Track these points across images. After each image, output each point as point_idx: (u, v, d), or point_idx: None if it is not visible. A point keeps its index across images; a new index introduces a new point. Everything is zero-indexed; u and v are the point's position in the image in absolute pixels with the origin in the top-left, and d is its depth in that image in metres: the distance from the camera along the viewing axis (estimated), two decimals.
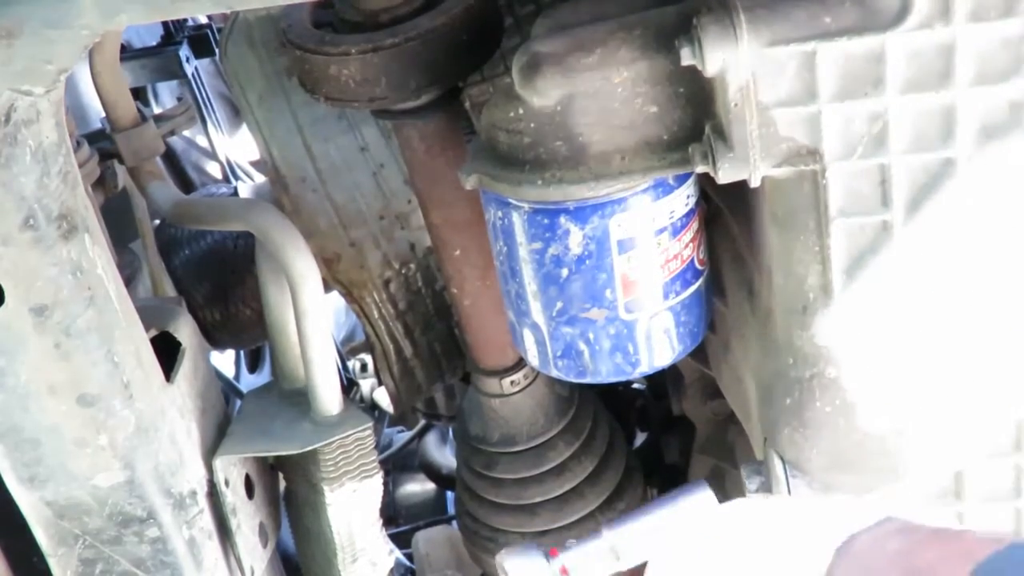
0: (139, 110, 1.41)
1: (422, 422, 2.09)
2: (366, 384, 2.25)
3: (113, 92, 1.37)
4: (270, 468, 1.32)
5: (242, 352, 2.11)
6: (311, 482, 1.23)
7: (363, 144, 1.31)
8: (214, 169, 2.14)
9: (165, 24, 2.01)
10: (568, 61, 0.88)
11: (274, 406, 1.26)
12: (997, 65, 0.81)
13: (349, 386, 2.19)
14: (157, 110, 1.79)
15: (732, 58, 0.82)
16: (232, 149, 2.18)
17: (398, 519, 2.20)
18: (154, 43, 2.04)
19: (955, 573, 0.68)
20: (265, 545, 1.26)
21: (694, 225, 0.98)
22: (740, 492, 1.04)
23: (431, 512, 2.23)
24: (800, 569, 0.79)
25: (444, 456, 2.09)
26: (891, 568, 0.74)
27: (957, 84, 0.82)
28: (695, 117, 0.89)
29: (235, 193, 1.62)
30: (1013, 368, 0.95)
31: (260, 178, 1.98)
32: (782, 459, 0.99)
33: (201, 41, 2.01)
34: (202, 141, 2.15)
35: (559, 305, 0.98)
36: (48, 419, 0.98)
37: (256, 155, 1.42)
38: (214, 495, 1.14)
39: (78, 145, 1.26)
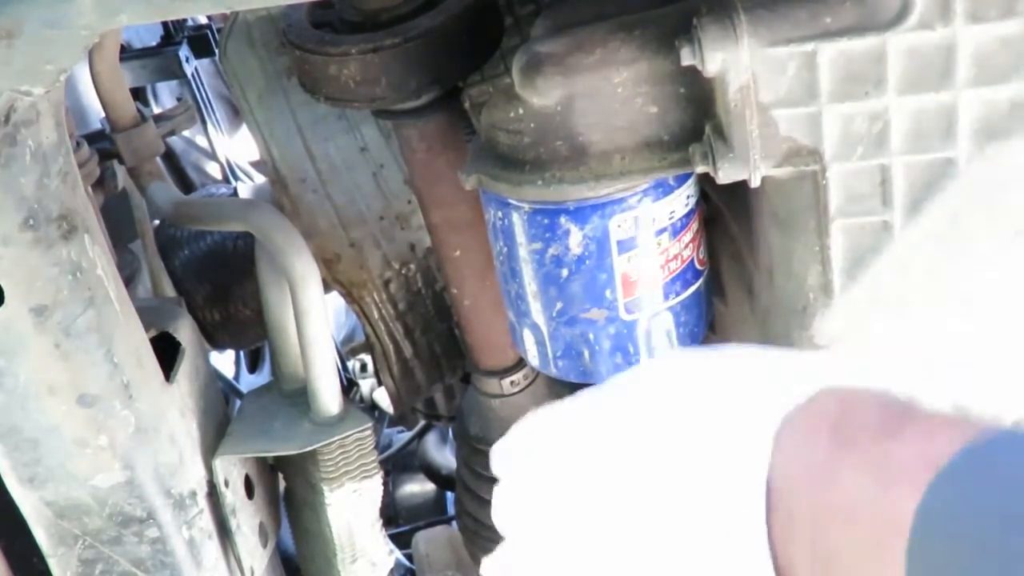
0: (139, 110, 1.41)
1: (422, 422, 2.08)
2: (366, 384, 2.24)
3: (113, 92, 1.37)
4: (270, 468, 1.32)
5: (242, 352, 2.11)
6: (311, 482, 1.23)
7: (363, 144, 1.31)
8: (214, 169, 2.14)
9: (165, 24, 2.01)
10: (568, 61, 0.88)
11: (274, 406, 1.26)
12: (997, 65, 0.81)
13: (349, 386, 2.19)
14: (157, 110, 1.79)
15: (732, 58, 0.82)
16: (232, 149, 2.18)
17: (398, 519, 2.20)
18: (154, 43, 2.04)
19: (915, 479, 0.57)
20: (265, 545, 1.26)
21: (694, 225, 0.98)
22: None
23: (431, 512, 2.23)
24: (731, 447, 0.66)
25: (444, 456, 2.08)
26: (838, 468, 0.62)
27: (957, 84, 0.82)
28: (695, 117, 0.89)
29: (235, 193, 1.61)
30: (1013, 368, 0.95)
31: (260, 178, 1.97)
32: None
33: (201, 41, 2.01)
34: (202, 141, 2.15)
35: (559, 305, 0.98)
36: (48, 419, 0.98)
37: (256, 155, 1.42)
38: (214, 495, 1.14)
39: (78, 145, 1.26)
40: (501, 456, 0.79)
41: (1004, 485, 0.54)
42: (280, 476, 1.34)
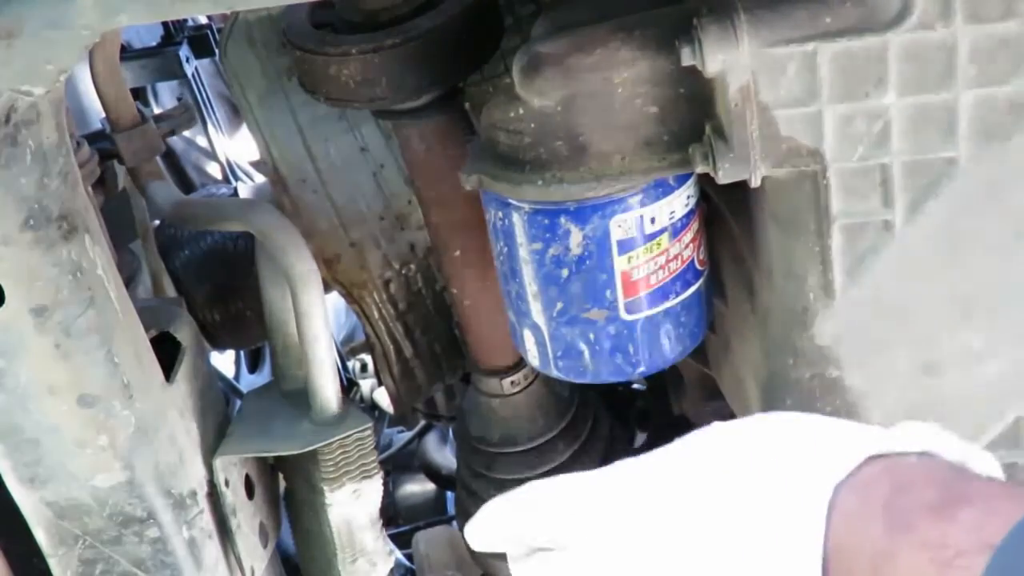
0: (139, 110, 1.41)
1: (422, 422, 2.08)
2: (366, 384, 2.24)
3: (113, 92, 1.37)
4: (270, 468, 1.32)
5: (242, 352, 2.11)
6: (311, 482, 1.23)
7: (363, 144, 1.31)
8: (214, 169, 2.14)
9: (165, 24, 2.01)
10: (568, 61, 0.88)
11: (274, 406, 1.26)
12: (997, 65, 0.81)
13: (349, 386, 2.19)
14: (157, 110, 1.79)
15: (732, 58, 0.82)
16: (232, 149, 2.18)
17: (398, 519, 2.20)
18: (154, 43, 2.04)
19: (971, 563, 0.58)
20: (265, 545, 1.26)
21: (694, 225, 0.98)
22: None
23: (431, 512, 2.23)
24: (782, 519, 0.66)
25: (444, 456, 2.08)
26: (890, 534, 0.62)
27: (957, 84, 0.82)
28: (695, 117, 0.89)
29: (235, 193, 1.61)
30: (1014, 367, 0.95)
31: (260, 178, 1.97)
32: None
33: (201, 41, 2.01)
34: (202, 141, 2.15)
35: (559, 305, 0.98)
36: (48, 420, 0.98)
37: (256, 155, 1.42)
38: (214, 495, 1.14)
39: (78, 145, 1.26)
40: (536, 516, 0.76)
41: None
42: (280, 476, 1.34)
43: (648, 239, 0.95)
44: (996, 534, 0.58)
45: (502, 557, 0.80)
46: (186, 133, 1.94)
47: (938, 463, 0.66)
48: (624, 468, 0.74)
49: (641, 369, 1.02)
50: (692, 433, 0.74)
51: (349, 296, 1.35)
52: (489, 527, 0.78)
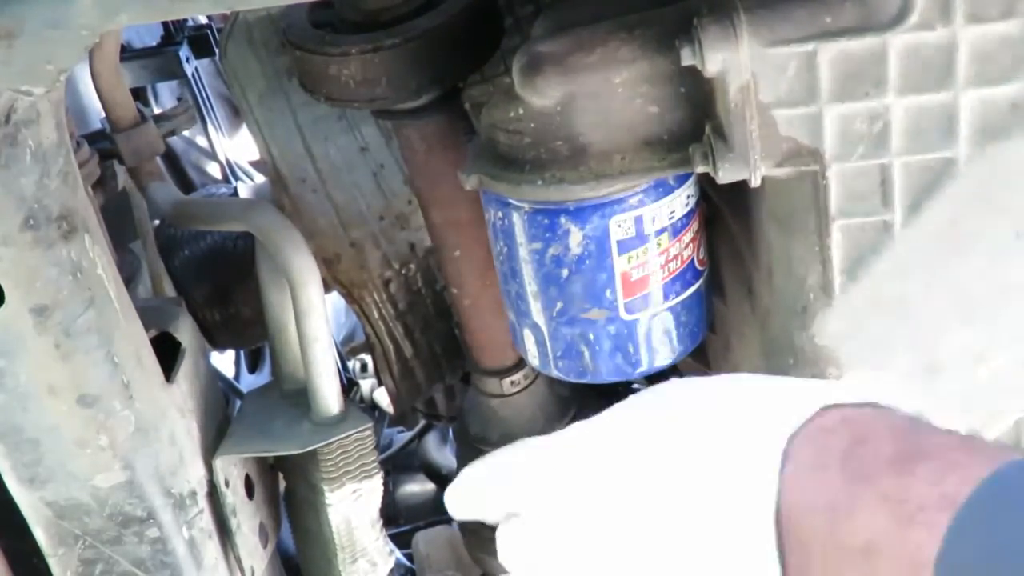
0: (139, 110, 1.41)
1: (422, 422, 2.08)
2: (366, 384, 2.24)
3: (113, 92, 1.37)
4: (270, 468, 1.32)
5: (242, 352, 2.11)
6: (311, 482, 1.23)
7: (363, 144, 1.31)
8: (214, 169, 2.14)
9: (165, 24, 2.01)
10: (568, 61, 0.88)
11: (274, 406, 1.26)
12: (998, 65, 0.81)
13: (349, 386, 2.19)
14: (157, 110, 1.78)
15: (732, 58, 0.82)
16: (232, 149, 2.18)
17: (398, 519, 2.19)
18: (154, 43, 2.04)
19: (933, 519, 0.57)
20: (265, 545, 1.26)
21: (694, 225, 0.98)
22: None
23: (431, 512, 2.23)
24: (739, 469, 0.65)
25: (444, 456, 2.08)
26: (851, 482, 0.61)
27: (957, 84, 0.82)
28: (695, 117, 0.89)
29: (235, 193, 1.61)
30: (1014, 367, 0.95)
31: (260, 178, 1.97)
32: None
33: (201, 41, 2.01)
34: (202, 141, 2.15)
35: (559, 305, 0.98)
36: (48, 419, 0.98)
37: (256, 155, 1.42)
38: (214, 495, 1.14)
39: (78, 145, 1.26)
40: (503, 481, 0.77)
41: (1017, 527, 0.54)
42: (280, 476, 1.34)
43: (648, 239, 0.95)
44: (957, 489, 0.57)
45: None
46: (186, 133, 1.94)
47: (896, 414, 0.65)
48: (582, 427, 0.75)
49: (641, 369, 1.02)
50: (648, 388, 0.75)
51: (349, 296, 1.35)
52: (463, 495, 0.79)
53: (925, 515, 0.57)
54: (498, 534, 0.77)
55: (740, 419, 0.67)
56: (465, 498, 0.80)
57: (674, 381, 0.75)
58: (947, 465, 0.59)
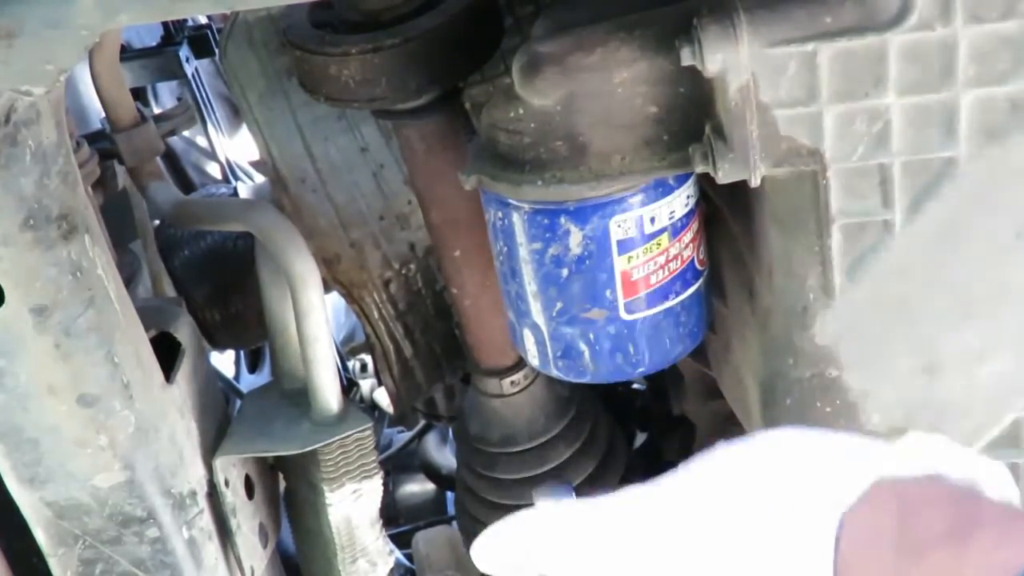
0: (139, 110, 1.41)
1: (422, 422, 2.08)
2: (366, 384, 2.24)
3: (113, 92, 1.37)
4: (270, 468, 1.32)
5: (242, 352, 2.11)
6: (311, 482, 1.23)
7: (363, 144, 1.31)
8: (214, 169, 2.14)
9: (165, 24, 2.01)
10: (568, 61, 0.88)
11: (274, 406, 1.26)
12: (997, 65, 0.81)
13: (349, 386, 2.19)
14: (157, 110, 1.78)
15: (732, 58, 0.82)
16: (232, 149, 2.18)
17: (398, 519, 2.19)
18: (154, 43, 2.04)
19: None
20: (265, 545, 1.26)
21: (694, 225, 0.98)
22: None
23: (431, 512, 2.23)
24: (789, 548, 0.65)
25: (444, 456, 2.08)
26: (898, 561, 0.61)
27: (957, 84, 0.82)
28: (695, 117, 0.89)
29: (235, 193, 1.61)
30: (1014, 367, 0.95)
31: (260, 178, 1.97)
32: None
33: (201, 41, 2.01)
34: (202, 141, 2.15)
35: (559, 305, 0.98)
36: (48, 419, 0.98)
37: (256, 155, 1.42)
38: (214, 495, 1.14)
39: (78, 145, 1.26)
40: (537, 542, 0.74)
41: None
42: (280, 476, 1.34)
43: (648, 239, 0.95)
44: (1012, 559, 0.57)
45: None
46: (186, 133, 1.94)
47: (948, 485, 0.65)
48: (628, 497, 0.73)
49: (641, 369, 1.02)
50: (696, 457, 0.73)
51: (349, 296, 1.35)
52: (493, 551, 0.76)
53: None
54: None
55: (795, 496, 0.66)
56: (495, 552, 0.75)
57: (726, 448, 0.72)
58: (1000, 537, 0.59)
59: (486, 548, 0.76)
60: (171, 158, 1.96)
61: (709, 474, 0.71)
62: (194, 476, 1.11)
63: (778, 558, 0.65)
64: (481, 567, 0.77)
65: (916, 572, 0.60)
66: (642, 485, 0.73)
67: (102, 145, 1.38)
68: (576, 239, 0.94)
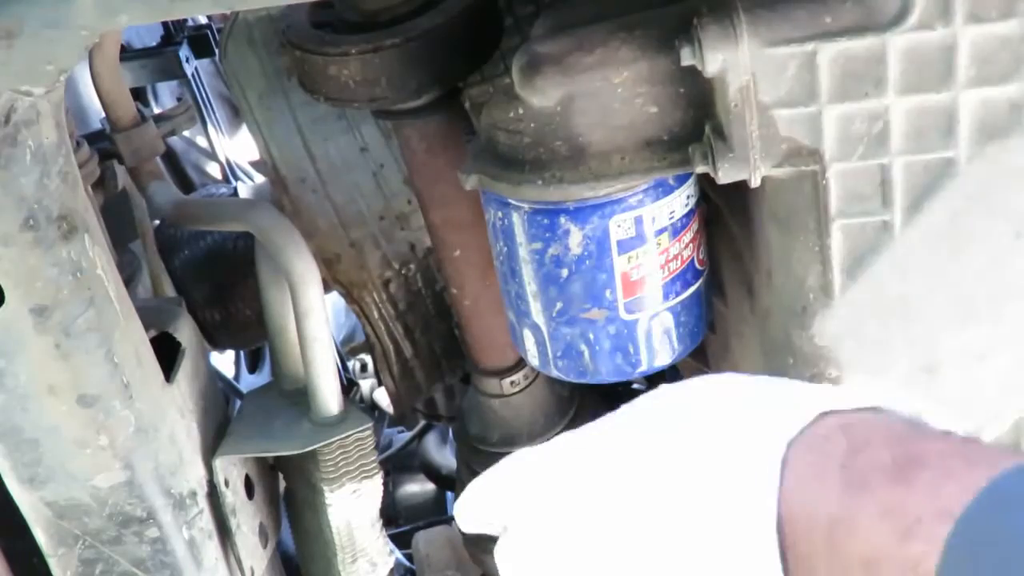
0: (139, 110, 1.41)
1: (422, 422, 2.08)
2: (366, 384, 2.24)
3: (113, 92, 1.37)
4: (270, 468, 1.32)
5: (242, 352, 2.11)
6: (311, 482, 1.23)
7: (363, 144, 1.31)
8: (214, 169, 2.14)
9: (165, 24, 2.01)
10: (568, 61, 0.88)
11: (274, 406, 1.26)
12: (997, 65, 0.81)
13: (349, 386, 2.19)
14: (157, 110, 1.78)
15: (732, 58, 0.82)
16: (232, 149, 2.18)
17: (398, 519, 2.20)
18: (154, 43, 2.04)
19: (931, 532, 0.57)
20: (265, 545, 1.26)
21: (694, 225, 0.98)
22: None
23: (431, 512, 2.23)
24: (736, 473, 0.65)
25: (444, 456, 2.08)
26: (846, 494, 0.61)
27: (957, 84, 0.82)
28: (695, 117, 0.89)
29: (235, 193, 1.61)
30: (1014, 367, 0.95)
31: (260, 178, 1.97)
32: None
33: (201, 41, 2.01)
34: (202, 141, 2.15)
35: (559, 305, 0.98)
36: (48, 419, 0.98)
37: (256, 155, 1.42)
38: (214, 495, 1.14)
39: (78, 145, 1.26)
40: (499, 494, 0.76)
41: (1017, 538, 0.54)
42: (280, 476, 1.34)
43: (648, 239, 0.95)
44: (955, 500, 0.57)
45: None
46: (186, 133, 1.94)
47: (893, 418, 0.65)
48: (575, 437, 0.75)
49: (641, 369, 1.02)
50: (641, 396, 0.74)
51: (349, 296, 1.35)
52: (468, 509, 0.79)
53: (923, 528, 0.57)
54: (496, 548, 0.77)
55: (738, 427, 0.67)
56: (469, 512, 0.79)
57: (669, 386, 0.74)
58: (945, 474, 0.59)
59: (461, 508, 0.79)
60: (171, 158, 1.96)
61: (655, 410, 0.72)
62: (194, 476, 1.11)
63: (724, 487, 0.65)
64: (463, 528, 0.79)
65: (860, 504, 0.60)
66: (589, 425, 0.74)
67: (102, 145, 1.38)
68: (576, 239, 0.94)
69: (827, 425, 0.64)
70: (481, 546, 1.40)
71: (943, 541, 0.56)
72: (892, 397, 0.67)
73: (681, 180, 0.94)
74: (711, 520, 0.64)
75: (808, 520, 0.62)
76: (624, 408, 0.74)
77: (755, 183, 0.87)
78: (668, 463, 0.68)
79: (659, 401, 0.73)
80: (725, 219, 1.04)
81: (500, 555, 0.76)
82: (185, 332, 1.16)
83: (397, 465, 2.24)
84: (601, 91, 0.89)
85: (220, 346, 1.63)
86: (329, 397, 1.19)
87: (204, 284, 1.50)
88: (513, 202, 0.96)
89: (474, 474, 1.35)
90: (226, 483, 1.16)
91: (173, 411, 1.08)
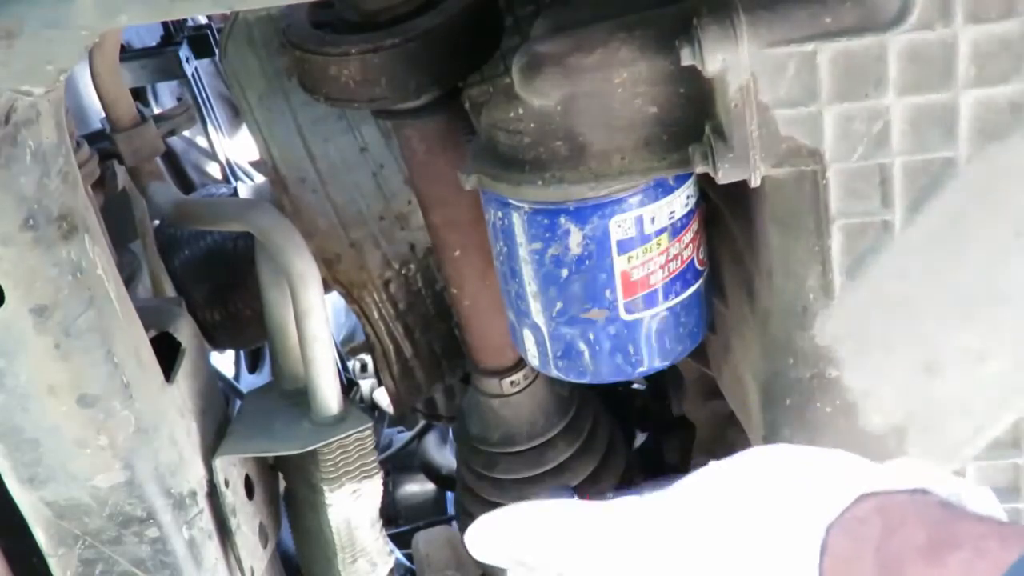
0: (139, 110, 1.41)
1: (422, 422, 2.08)
2: (366, 384, 2.24)
3: (113, 92, 1.37)
4: (270, 468, 1.32)
5: (242, 352, 2.11)
6: (311, 482, 1.23)
7: (363, 144, 1.31)
8: (214, 169, 2.14)
9: (165, 24, 2.01)
10: (568, 61, 0.88)
11: (274, 406, 1.26)
12: (997, 65, 0.81)
13: (349, 386, 2.19)
14: (157, 110, 1.79)
15: (732, 58, 0.82)
16: (232, 149, 2.18)
17: (398, 519, 2.20)
18: (154, 43, 2.04)
19: None
20: (265, 545, 1.26)
21: (694, 225, 0.98)
22: None
23: (431, 512, 2.23)
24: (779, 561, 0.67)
25: (444, 456, 2.08)
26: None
27: (957, 84, 0.82)
28: (695, 117, 0.89)
29: (235, 193, 1.62)
30: (1014, 367, 0.95)
31: (260, 178, 1.97)
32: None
33: (201, 41, 2.01)
34: (202, 141, 2.15)
35: (559, 305, 0.98)
36: (48, 420, 0.98)
37: (256, 155, 1.42)
38: (214, 495, 1.14)
39: (78, 145, 1.26)
40: (538, 536, 0.76)
41: None
42: (280, 476, 1.34)
43: (648, 239, 0.95)
44: (991, 573, 0.58)
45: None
46: (186, 133, 1.94)
47: (930, 501, 0.66)
48: (624, 505, 0.75)
49: (641, 369, 1.02)
50: (691, 474, 0.75)
51: (349, 296, 1.35)
52: (487, 539, 0.78)
53: None
54: None
55: (781, 512, 0.68)
56: (487, 541, 0.78)
57: (718, 465, 0.75)
58: (978, 554, 0.60)
59: (480, 535, 0.78)
60: (171, 158, 1.96)
61: (700, 488, 0.73)
62: (194, 476, 1.11)
63: (765, 570, 0.66)
64: (474, 553, 0.78)
65: None
66: (635, 496, 0.75)
67: (102, 145, 1.38)
68: (576, 239, 0.94)
69: (865, 508, 0.66)
70: None
71: None
72: (933, 476, 0.68)
73: (681, 180, 0.94)
74: None
75: None
76: (676, 485, 0.75)
77: (755, 183, 0.87)
78: (713, 545, 0.69)
79: (708, 480, 0.74)
80: (725, 219, 1.04)
81: None
82: (185, 332, 1.16)
83: (397, 465, 2.24)
84: (601, 91, 0.89)
85: (220, 346, 1.63)
86: (329, 397, 1.19)
87: (204, 284, 1.51)
88: (513, 202, 0.96)
89: (474, 474, 1.36)
90: (226, 483, 1.16)
91: (173, 411, 1.08)
